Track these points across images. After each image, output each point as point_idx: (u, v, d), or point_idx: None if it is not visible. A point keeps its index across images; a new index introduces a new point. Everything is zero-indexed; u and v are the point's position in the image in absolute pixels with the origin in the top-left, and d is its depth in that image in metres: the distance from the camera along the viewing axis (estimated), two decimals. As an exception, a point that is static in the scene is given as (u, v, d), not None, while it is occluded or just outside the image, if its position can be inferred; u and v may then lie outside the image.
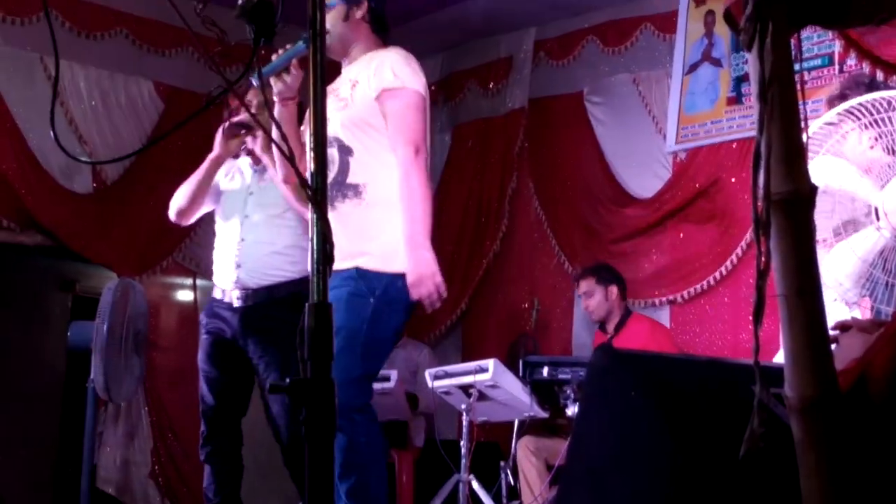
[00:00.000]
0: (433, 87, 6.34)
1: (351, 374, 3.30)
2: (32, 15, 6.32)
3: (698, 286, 6.28)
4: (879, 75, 5.25)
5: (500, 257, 7.47)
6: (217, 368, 4.57)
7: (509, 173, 7.45)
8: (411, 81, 3.56)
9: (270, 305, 4.48)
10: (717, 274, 6.17)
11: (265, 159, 4.50)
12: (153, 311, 6.31)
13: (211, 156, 4.61)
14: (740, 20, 1.53)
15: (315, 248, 1.64)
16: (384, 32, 3.76)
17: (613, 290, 6.02)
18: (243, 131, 4.52)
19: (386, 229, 3.48)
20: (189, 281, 7.17)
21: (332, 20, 3.59)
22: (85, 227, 6.59)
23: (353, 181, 3.53)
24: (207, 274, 5.05)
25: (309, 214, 1.62)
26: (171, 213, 4.73)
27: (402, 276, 3.45)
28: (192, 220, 4.81)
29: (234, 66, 5.51)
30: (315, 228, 1.65)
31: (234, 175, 4.78)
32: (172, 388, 6.76)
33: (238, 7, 1.69)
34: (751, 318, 1.41)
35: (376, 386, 3.74)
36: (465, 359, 7.05)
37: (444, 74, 7.83)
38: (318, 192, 1.65)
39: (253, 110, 4.54)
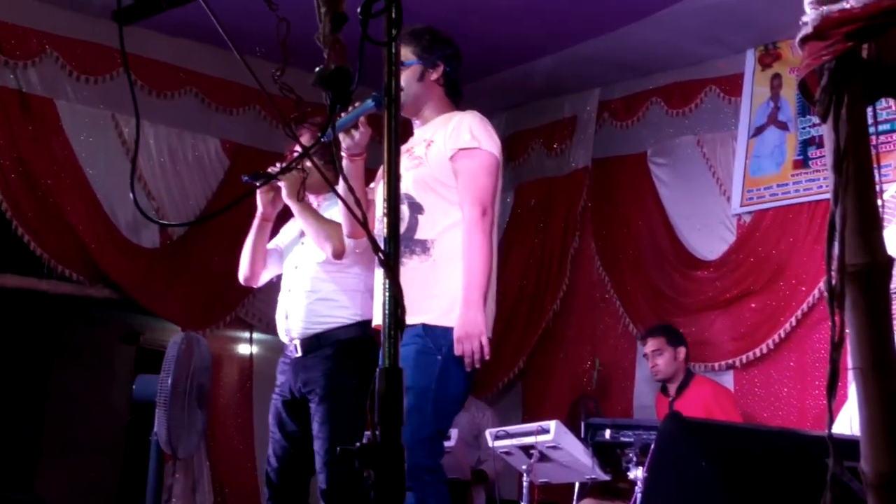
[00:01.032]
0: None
1: (421, 434, 3.29)
2: (105, 74, 6.46)
3: (761, 349, 6.20)
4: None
5: (560, 316, 7.42)
6: (280, 431, 4.46)
7: (572, 233, 7.43)
8: (487, 144, 3.60)
9: (320, 355, 4.35)
10: (775, 337, 6.10)
11: (290, 204, 4.40)
12: (216, 365, 6.33)
13: (257, 215, 4.57)
14: (814, 91, 1.53)
15: (387, 312, 1.65)
16: (457, 96, 3.81)
17: (682, 351, 6.03)
18: (272, 181, 4.45)
19: (452, 286, 3.48)
20: (247, 334, 7.21)
21: (406, 79, 3.64)
22: (151, 282, 6.66)
23: (421, 237, 3.56)
24: (271, 328, 5.00)
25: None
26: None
27: None
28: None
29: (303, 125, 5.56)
30: (387, 293, 1.65)
31: (294, 227, 4.77)
32: (232, 443, 6.78)
33: (315, 74, 1.71)
34: (817, 383, 1.40)
35: (437, 445, 3.73)
36: (525, 417, 7.01)
37: (508, 133, 7.83)
38: (390, 256, 1.66)
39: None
